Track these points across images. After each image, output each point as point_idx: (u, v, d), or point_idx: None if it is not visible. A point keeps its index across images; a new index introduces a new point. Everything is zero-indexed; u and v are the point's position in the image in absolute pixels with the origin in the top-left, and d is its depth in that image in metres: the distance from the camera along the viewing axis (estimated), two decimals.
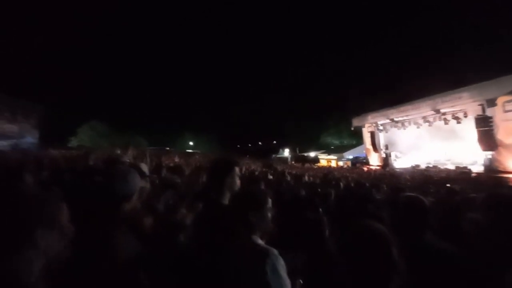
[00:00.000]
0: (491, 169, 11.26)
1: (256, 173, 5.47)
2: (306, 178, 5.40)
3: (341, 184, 4.17)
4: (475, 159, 12.71)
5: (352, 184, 5.10)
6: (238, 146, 54.88)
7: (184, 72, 55.96)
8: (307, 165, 21.43)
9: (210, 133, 41.55)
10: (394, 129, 17.22)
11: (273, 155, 39.24)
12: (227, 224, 1.28)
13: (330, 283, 1.33)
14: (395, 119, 16.18)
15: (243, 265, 1.14)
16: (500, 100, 10.99)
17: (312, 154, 33.34)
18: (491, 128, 11.34)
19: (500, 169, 10.99)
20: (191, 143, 41.92)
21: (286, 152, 38.87)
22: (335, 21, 51.63)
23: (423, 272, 1.11)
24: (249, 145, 59.72)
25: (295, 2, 55.08)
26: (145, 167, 1.94)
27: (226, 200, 1.52)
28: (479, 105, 11.73)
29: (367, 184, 4.79)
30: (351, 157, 24.85)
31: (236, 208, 1.29)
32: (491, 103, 11.24)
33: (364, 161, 20.89)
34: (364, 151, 21.25)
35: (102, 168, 2.49)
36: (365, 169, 15.73)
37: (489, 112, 11.44)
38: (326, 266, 1.47)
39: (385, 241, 0.90)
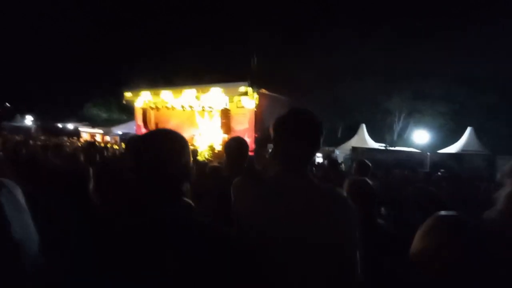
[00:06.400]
0: None
1: None
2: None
3: (105, 152, 4.08)
4: (219, 140, 17.01)
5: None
6: None
7: None
8: (64, 138, 17.58)
9: None
10: (164, 109, 18.60)
11: (4, 122, 27.94)
12: None
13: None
14: (165, 100, 17.52)
15: None
16: (235, 99, 15.53)
17: (70, 126, 27.68)
18: (229, 118, 15.77)
19: None
20: None
21: (29, 121, 29.21)
22: None
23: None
24: None
25: None
26: None
27: None
28: (223, 100, 15.77)
29: None
30: (120, 132, 23.58)
31: None
32: (231, 99, 15.56)
33: None
34: (135, 127, 21.02)
35: None
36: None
37: (229, 106, 15.76)
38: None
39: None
